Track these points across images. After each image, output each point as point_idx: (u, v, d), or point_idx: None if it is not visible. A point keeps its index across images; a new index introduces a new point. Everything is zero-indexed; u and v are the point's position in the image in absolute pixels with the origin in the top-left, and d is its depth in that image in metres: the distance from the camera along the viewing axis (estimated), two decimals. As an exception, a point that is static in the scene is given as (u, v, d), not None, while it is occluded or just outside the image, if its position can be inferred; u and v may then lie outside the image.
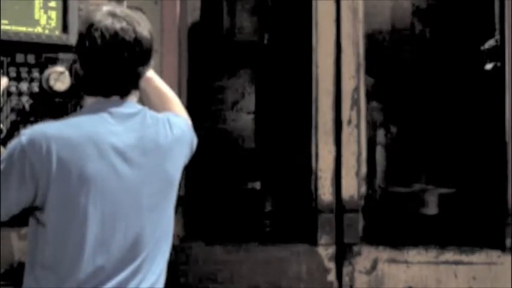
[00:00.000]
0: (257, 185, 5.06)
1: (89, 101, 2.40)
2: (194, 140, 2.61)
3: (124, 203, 2.29)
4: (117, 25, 2.30)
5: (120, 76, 2.34)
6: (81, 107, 2.75)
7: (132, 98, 2.41)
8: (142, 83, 2.58)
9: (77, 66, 2.39)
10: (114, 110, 2.34)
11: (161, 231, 2.39)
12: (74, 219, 2.23)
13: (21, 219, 2.32)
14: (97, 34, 2.29)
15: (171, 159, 2.42)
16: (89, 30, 2.30)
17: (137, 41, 2.32)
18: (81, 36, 2.33)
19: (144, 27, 2.35)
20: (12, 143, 2.26)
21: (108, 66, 2.32)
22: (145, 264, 2.33)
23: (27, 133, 2.26)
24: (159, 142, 2.38)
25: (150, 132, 2.37)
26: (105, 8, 2.35)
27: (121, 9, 2.37)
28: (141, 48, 2.34)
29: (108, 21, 2.31)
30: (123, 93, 2.37)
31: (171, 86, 4.27)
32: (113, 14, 2.33)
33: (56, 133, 2.24)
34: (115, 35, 2.29)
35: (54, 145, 2.21)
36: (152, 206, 2.35)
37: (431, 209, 4.87)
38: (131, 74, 2.36)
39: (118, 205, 2.28)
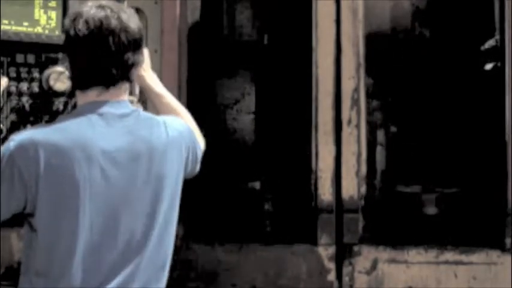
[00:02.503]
0: (257, 185, 5.05)
1: (81, 100, 2.36)
2: (197, 145, 2.54)
3: (114, 207, 2.25)
4: (101, 13, 2.29)
5: (108, 63, 2.30)
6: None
7: (124, 96, 2.38)
8: (153, 99, 2.57)
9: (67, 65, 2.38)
10: (106, 111, 2.31)
11: (158, 236, 2.33)
12: (64, 224, 2.20)
13: (19, 221, 2.32)
14: (81, 23, 2.28)
15: (167, 162, 2.35)
16: (73, 22, 2.29)
17: (123, 27, 2.30)
18: (67, 31, 2.32)
19: (131, 18, 2.34)
20: (1, 149, 2.25)
21: (95, 55, 2.28)
22: (141, 270, 2.29)
23: (15, 139, 2.24)
24: (153, 144, 2.33)
25: (143, 134, 2.33)
26: (91, 3, 2.34)
27: (107, 2, 2.36)
28: (127, 35, 2.31)
29: (93, 11, 2.30)
30: (112, 82, 2.32)
31: (171, 86, 4.28)
32: (97, 6, 2.32)
33: (44, 139, 2.21)
34: (99, 22, 2.28)
35: (42, 151, 2.19)
36: (146, 211, 2.30)
37: (431, 209, 4.87)
38: (120, 61, 2.31)
39: (108, 210, 2.24)
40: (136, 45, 2.34)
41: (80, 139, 2.23)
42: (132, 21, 2.33)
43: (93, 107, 2.31)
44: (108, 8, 2.31)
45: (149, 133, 2.35)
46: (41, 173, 2.19)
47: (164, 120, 2.44)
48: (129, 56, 2.33)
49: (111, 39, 2.28)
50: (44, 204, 2.20)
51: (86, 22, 2.27)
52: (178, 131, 2.45)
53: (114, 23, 2.29)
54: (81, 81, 2.34)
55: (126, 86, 2.38)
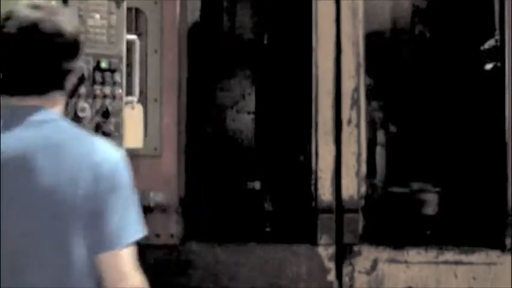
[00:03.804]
0: (257, 185, 5.05)
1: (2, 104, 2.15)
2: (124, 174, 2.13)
3: (10, 219, 2.02)
4: (36, 14, 2.11)
5: (39, 70, 2.11)
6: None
7: (58, 106, 2.16)
8: None
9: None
10: (24, 117, 2.09)
11: (54, 253, 2.03)
12: None
13: None
14: (12, 24, 2.10)
15: (74, 182, 2.04)
16: (5, 22, 2.10)
17: (57, 31, 2.10)
18: None
19: (68, 21, 2.14)
20: None
21: (25, 59, 2.09)
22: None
23: None
24: (66, 156, 2.05)
25: (60, 144, 2.06)
26: (27, 2, 2.15)
27: (45, 2, 2.19)
28: (63, 40, 2.11)
29: (27, 11, 2.11)
30: (42, 91, 2.12)
31: (171, 86, 4.29)
32: (32, 6, 2.13)
33: None
34: (32, 24, 2.09)
35: None
36: (40, 226, 2.02)
37: (431, 209, 4.86)
38: (52, 69, 2.12)
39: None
40: (72, 50, 2.14)
41: None
42: (70, 25, 2.13)
43: (13, 113, 2.11)
44: (43, 9, 2.13)
45: (64, 144, 2.09)
46: None
47: (99, 143, 2.13)
48: (63, 63, 2.13)
49: (44, 43, 2.09)
50: None
51: (18, 23, 2.09)
52: (112, 163, 2.08)
53: (48, 26, 2.10)
54: (8, 87, 2.13)
55: (58, 94, 2.15)
